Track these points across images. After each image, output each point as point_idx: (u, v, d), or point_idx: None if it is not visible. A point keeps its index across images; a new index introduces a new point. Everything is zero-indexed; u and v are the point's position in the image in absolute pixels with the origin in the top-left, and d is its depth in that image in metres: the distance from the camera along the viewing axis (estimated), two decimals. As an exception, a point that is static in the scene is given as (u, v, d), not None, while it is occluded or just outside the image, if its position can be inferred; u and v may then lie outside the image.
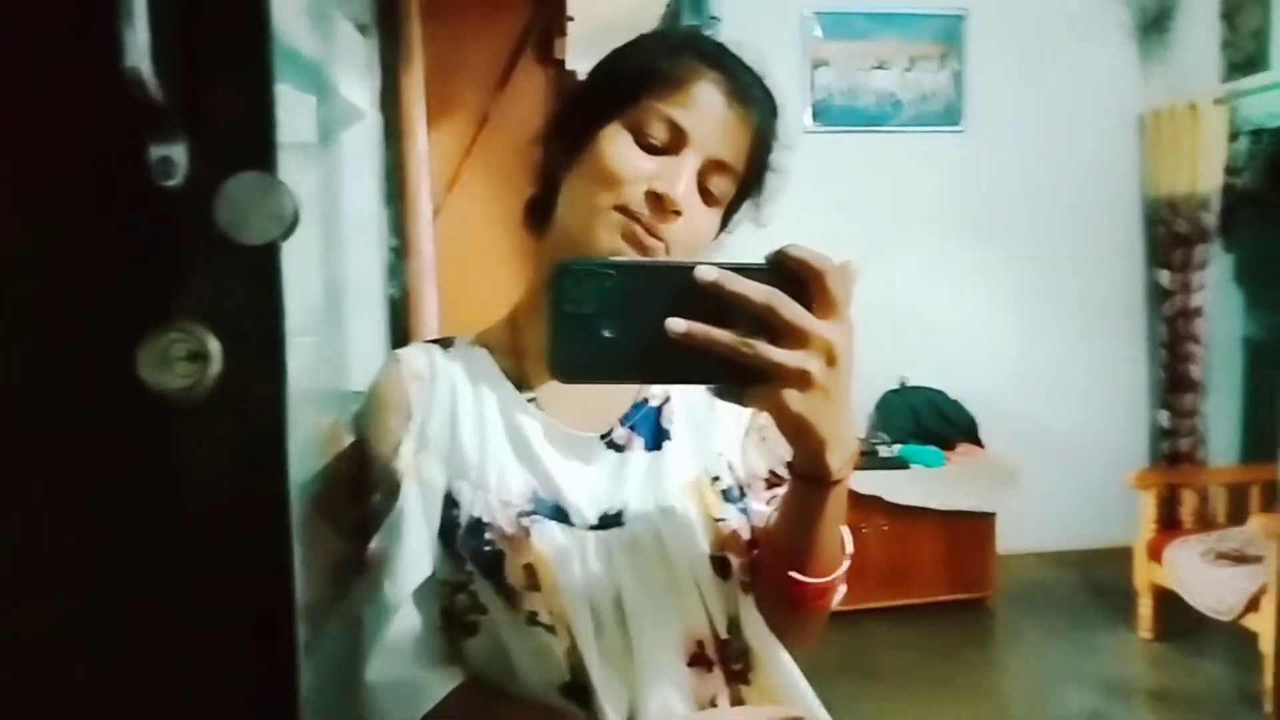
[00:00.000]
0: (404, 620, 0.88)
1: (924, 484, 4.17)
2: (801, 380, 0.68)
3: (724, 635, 0.91)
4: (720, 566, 0.91)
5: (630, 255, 0.87)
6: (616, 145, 0.89)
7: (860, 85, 4.80)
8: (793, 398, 0.68)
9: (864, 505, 3.96)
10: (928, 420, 4.55)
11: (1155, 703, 3.51)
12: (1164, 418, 4.84)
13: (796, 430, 0.72)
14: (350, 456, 0.97)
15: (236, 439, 0.47)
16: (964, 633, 4.09)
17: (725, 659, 0.91)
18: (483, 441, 0.93)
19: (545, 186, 0.98)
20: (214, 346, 0.45)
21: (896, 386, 4.70)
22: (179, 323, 0.45)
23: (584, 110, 0.93)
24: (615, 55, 0.96)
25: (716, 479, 0.95)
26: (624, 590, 0.89)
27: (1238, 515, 3.97)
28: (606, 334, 0.66)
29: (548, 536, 0.89)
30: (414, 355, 0.98)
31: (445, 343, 1.01)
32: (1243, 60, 4.54)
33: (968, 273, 4.81)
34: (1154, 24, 4.87)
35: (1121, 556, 4.09)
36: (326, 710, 0.88)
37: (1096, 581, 4.48)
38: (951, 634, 4.05)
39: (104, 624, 0.47)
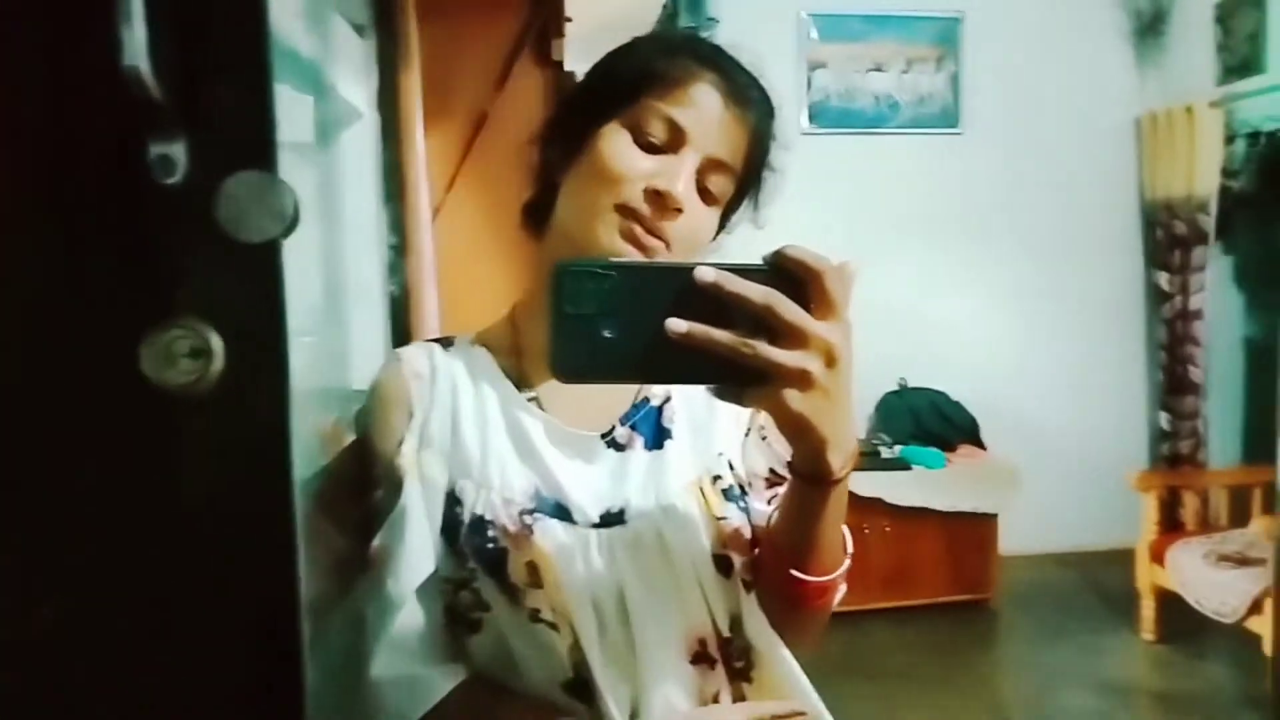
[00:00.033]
0: (407, 617, 0.88)
1: (925, 485, 4.17)
2: (801, 380, 0.68)
3: (726, 633, 0.92)
4: (722, 565, 0.91)
5: (629, 255, 0.87)
6: (615, 144, 0.89)
7: (857, 87, 4.81)
8: (792, 397, 0.68)
9: (865, 506, 3.96)
10: (929, 422, 4.55)
11: (1157, 705, 3.51)
12: (1164, 420, 4.84)
13: (796, 430, 0.72)
14: (352, 454, 0.98)
15: (239, 435, 0.47)
16: (965, 634, 4.09)
17: (727, 657, 0.92)
18: (484, 440, 0.93)
19: (543, 187, 0.99)
20: (216, 342, 0.45)
21: (896, 388, 4.70)
22: (181, 319, 0.45)
23: (582, 110, 0.94)
24: (612, 56, 0.97)
25: (717, 478, 0.95)
26: (626, 588, 0.89)
27: (1239, 517, 3.98)
28: (607, 334, 0.67)
29: (550, 534, 0.89)
30: (415, 354, 0.99)
31: (446, 342, 1.01)
32: (1238, 63, 4.55)
33: (966, 275, 4.81)
34: (1149, 28, 4.87)
35: (1123, 558, 4.09)
36: (330, 707, 0.88)
37: (1098, 583, 4.48)
38: (953, 635, 4.05)
39: (107, 622, 0.47)
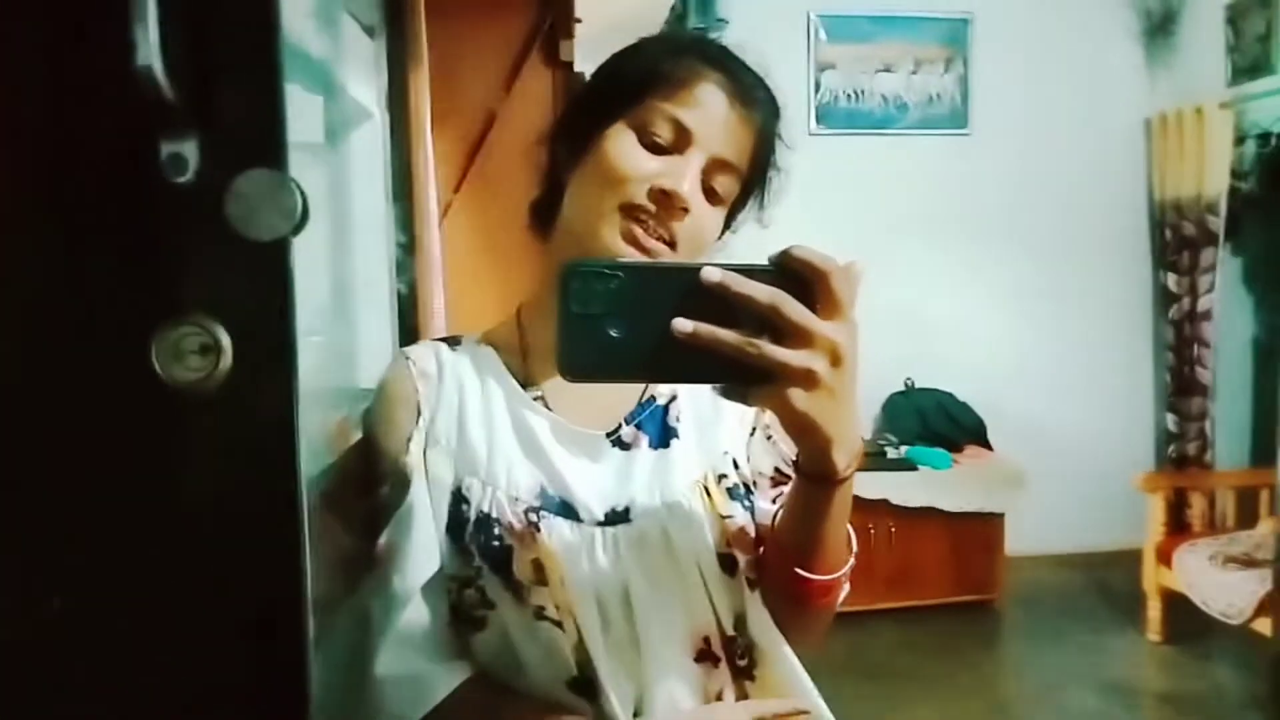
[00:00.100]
0: (412, 615, 0.89)
1: (931, 486, 4.16)
2: (806, 380, 0.68)
3: (730, 631, 0.92)
4: (727, 563, 0.92)
5: (633, 256, 0.87)
6: (621, 144, 0.89)
7: (865, 88, 4.80)
8: (798, 397, 0.69)
9: (871, 507, 3.95)
10: (935, 422, 4.55)
11: (1163, 706, 3.50)
12: (1171, 421, 4.83)
13: (801, 429, 0.72)
14: (359, 452, 0.98)
15: (247, 433, 0.47)
16: (971, 635, 4.08)
17: (731, 655, 0.92)
18: (491, 438, 0.94)
19: (550, 187, 0.99)
20: (225, 340, 0.45)
21: (903, 388, 4.70)
22: (190, 316, 0.45)
23: (588, 111, 0.94)
24: (618, 57, 0.97)
25: (723, 477, 0.95)
26: (631, 586, 0.89)
27: (1246, 519, 3.97)
28: (614, 334, 0.67)
29: (556, 532, 0.89)
30: (422, 353, 0.99)
31: (453, 341, 1.02)
32: (1248, 65, 4.54)
33: (973, 275, 4.80)
34: (1159, 28, 4.86)
35: (1130, 559, 4.08)
36: (335, 704, 0.88)
37: (1104, 584, 4.47)
38: (958, 636, 4.04)
39: (112, 619, 0.48)
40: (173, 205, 0.45)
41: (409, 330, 1.71)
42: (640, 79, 0.91)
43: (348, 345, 1.52)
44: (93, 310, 0.47)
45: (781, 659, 0.93)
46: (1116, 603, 4.23)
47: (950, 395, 4.68)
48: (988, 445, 4.56)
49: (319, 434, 1.09)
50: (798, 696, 0.93)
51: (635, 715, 0.88)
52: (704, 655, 0.91)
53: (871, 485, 3.96)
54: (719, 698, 0.91)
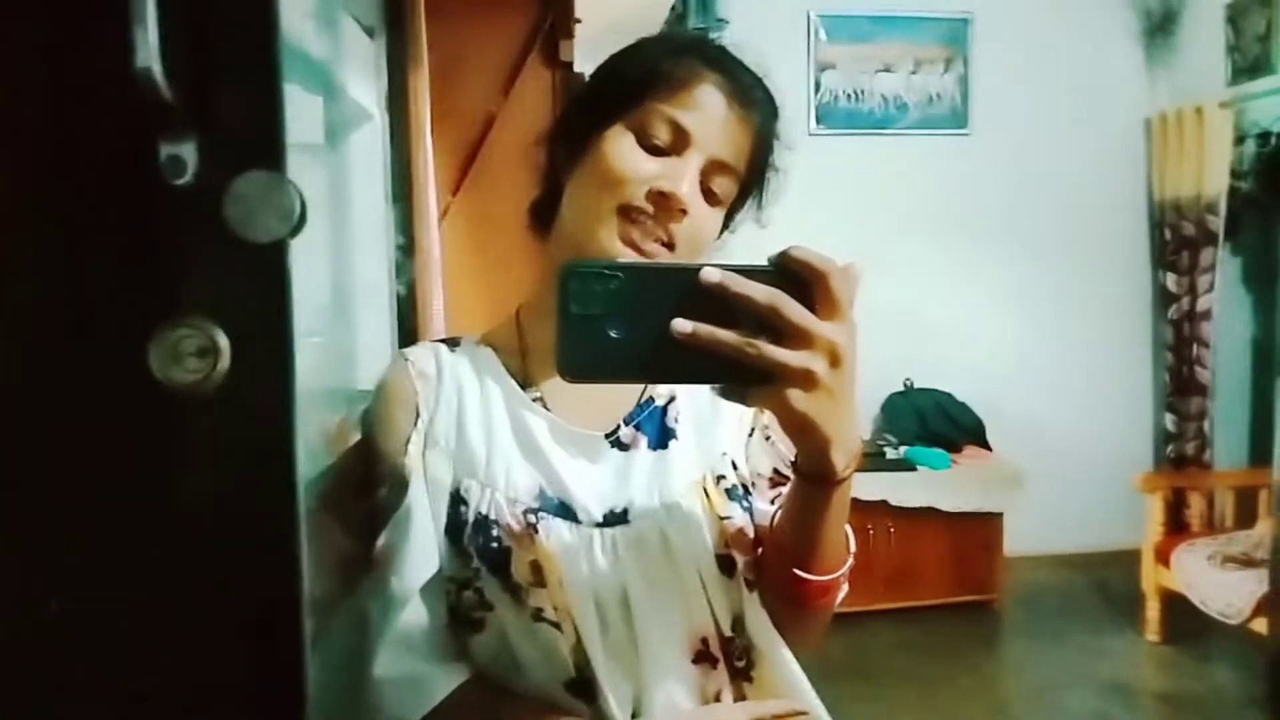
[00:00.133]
0: (410, 616, 0.89)
1: (930, 486, 4.16)
2: (805, 380, 0.68)
3: (728, 632, 0.92)
4: (725, 564, 0.92)
5: (633, 257, 0.87)
6: (619, 146, 0.89)
7: (865, 88, 4.80)
8: (797, 397, 0.69)
9: (870, 507, 3.95)
10: (934, 422, 4.55)
11: (1162, 706, 3.50)
12: (1170, 421, 4.83)
13: (800, 430, 0.72)
14: (358, 454, 0.98)
15: (245, 434, 0.47)
16: (970, 635, 4.08)
17: (729, 656, 0.92)
18: (490, 439, 0.94)
19: (549, 188, 0.99)
20: (223, 341, 0.45)
21: (902, 389, 4.70)
22: (188, 318, 0.45)
23: (587, 112, 0.94)
24: (617, 58, 0.97)
25: (721, 478, 0.95)
26: (629, 587, 0.89)
27: (1245, 519, 3.97)
28: (613, 335, 0.67)
29: (554, 534, 0.89)
30: (421, 354, 0.99)
31: (452, 342, 1.02)
32: (1248, 65, 4.54)
33: (972, 275, 4.80)
34: (1159, 28, 4.86)
35: (1128, 559, 4.08)
36: (333, 706, 0.88)
37: (1103, 584, 4.47)
38: (957, 636, 4.04)
39: (110, 620, 0.48)
40: (171, 206, 0.45)
41: (408, 331, 1.71)
42: (639, 80, 0.91)
43: (346, 346, 1.52)
44: (91, 311, 0.47)
45: (779, 660, 0.93)
46: (1115, 603, 4.24)
47: (949, 395, 4.68)
48: (987, 445, 4.56)
49: (317, 435, 1.09)
50: (796, 697, 0.93)
51: (633, 716, 0.88)
52: (702, 656, 0.91)
53: (870, 486, 3.96)
54: (717, 699, 0.91)
